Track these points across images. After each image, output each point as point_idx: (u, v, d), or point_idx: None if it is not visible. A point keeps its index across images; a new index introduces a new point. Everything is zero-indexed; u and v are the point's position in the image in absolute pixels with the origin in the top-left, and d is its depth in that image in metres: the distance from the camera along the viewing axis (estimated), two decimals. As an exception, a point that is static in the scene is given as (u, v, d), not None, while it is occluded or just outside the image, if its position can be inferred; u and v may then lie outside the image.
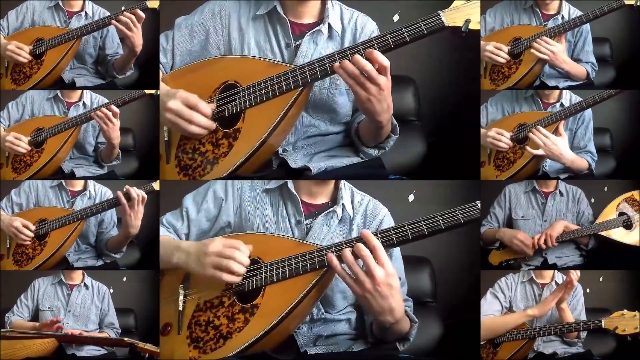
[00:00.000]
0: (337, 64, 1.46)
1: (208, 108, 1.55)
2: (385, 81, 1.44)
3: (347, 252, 1.38)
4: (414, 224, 1.40)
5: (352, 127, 1.69)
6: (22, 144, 1.99)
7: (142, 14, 1.96)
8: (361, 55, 1.44)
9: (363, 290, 1.36)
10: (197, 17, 1.69)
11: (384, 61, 1.43)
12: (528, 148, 1.97)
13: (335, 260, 1.40)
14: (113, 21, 1.96)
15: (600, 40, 2.26)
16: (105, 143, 2.06)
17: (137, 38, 1.98)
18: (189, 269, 1.51)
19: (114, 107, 1.97)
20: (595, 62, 2.14)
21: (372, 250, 1.36)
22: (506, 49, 2.04)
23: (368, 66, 1.42)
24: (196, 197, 1.66)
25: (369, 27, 1.70)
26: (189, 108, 1.52)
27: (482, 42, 2.04)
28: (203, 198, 1.65)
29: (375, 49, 1.45)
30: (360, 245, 1.37)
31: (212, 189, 1.65)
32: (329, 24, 1.65)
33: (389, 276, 1.36)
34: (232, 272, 1.44)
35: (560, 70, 2.06)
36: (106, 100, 2.04)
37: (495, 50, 2.03)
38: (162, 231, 1.62)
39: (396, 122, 1.63)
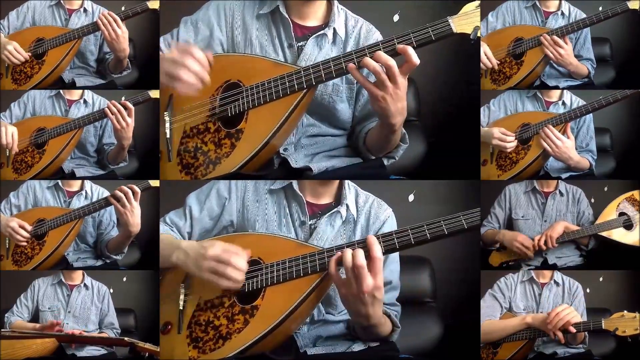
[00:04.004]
0: (351, 64, 1.43)
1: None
2: (403, 80, 1.42)
3: (348, 254, 1.37)
4: (416, 229, 1.39)
5: (359, 136, 1.68)
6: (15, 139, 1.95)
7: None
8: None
9: (347, 293, 1.38)
10: (202, 14, 1.69)
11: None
12: (542, 142, 1.97)
13: (332, 262, 1.40)
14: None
15: (600, 40, 2.26)
16: (113, 144, 2.04)
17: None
18: (188, 269, 1.50)
19: (129, 104, 1.89)
20: (594, 60, 2.15)
21: (371, 260, 1.36)
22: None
23: (391, 61, 1.40)
24: (199, 195, 1.65)
25: (373, 37, 1.68)
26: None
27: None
28: (206, 197, 1.64)
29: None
30: (360, 255, 1.36)
31: (216, 188, 1.64)
32: (334, 29, 1.64)
33: (376, 288, 1.36)
34: (228, 279, 1.44)
35: (566, 70, 2.07)
36: (107, 100, 2.01)
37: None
38: (164, 229, 1.61)
39: (405, 131, 1.62)
